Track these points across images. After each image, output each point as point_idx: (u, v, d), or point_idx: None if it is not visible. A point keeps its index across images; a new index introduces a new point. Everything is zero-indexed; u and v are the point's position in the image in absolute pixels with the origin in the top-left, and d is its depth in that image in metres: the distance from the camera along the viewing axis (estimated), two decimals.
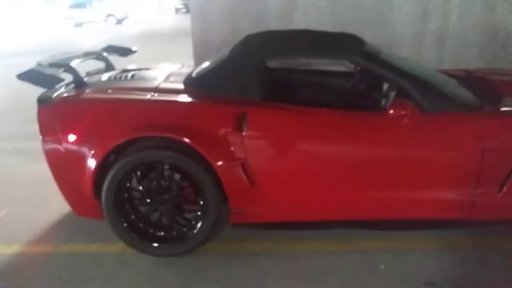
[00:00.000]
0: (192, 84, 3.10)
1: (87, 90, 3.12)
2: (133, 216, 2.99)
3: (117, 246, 3.12)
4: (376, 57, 2.96)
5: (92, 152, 2.83)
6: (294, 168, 2.82)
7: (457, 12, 4.75)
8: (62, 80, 3.06)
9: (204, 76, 3.08)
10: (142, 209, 3.00)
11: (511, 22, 4.70)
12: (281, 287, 2.68)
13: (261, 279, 2.75)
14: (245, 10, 4.85)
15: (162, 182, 2.90)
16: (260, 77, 2.99)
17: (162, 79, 3.32)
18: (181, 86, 3.15)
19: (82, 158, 2.87)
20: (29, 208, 3.77)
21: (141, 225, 3.00)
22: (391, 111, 2.65)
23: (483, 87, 3.23)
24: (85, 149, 2.86)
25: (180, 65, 3.94)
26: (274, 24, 4.87)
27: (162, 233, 3.01)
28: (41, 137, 2.94)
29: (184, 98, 2.97)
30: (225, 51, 3.35)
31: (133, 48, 4.22)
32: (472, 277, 2.68)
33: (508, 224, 2.92)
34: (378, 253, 2.91)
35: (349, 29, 3.63)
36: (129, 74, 3.53)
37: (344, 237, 3.06)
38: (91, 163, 2.83)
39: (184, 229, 2.99)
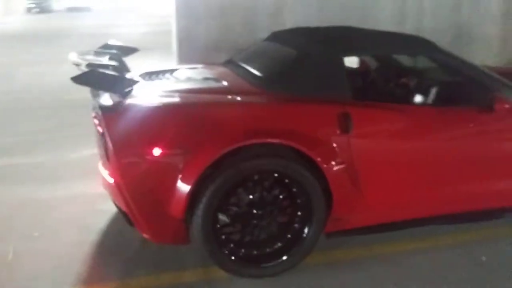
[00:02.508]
0: (268, 84, 2.80)
1: (155, 94, 2.65)
2: (223, 237, 2.61)
3: (194, 273, 2.73)
4: (447, 53, 3.00)
5: (186, 166, 2.40)
6: (400, 167, 2.74)
7: (430, 12, 5.08)
8: (136, 83, 2.55)
9: (284, 75, 2.82)
10: (232, 227, 2.63)
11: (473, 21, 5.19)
12: None
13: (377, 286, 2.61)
14: (234, 6, 4.58)
15: (265, 194, 2.58)
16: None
17: (218, 79, 2.99)
18: (251, 86, 2.84)
19: (171, 175, 2.42)
20: (40, 242, 3.07)
21: (232, 245, 2.63)
22: (497, 106, 2.71)
23: None
24: (175, 164, 2.41)
25: (202, 65, 3.58)
26: (264, 21, 4.70)
27: (255, 252, 2.67)
28: (113, 150, 2.40)
29: (273, 100, 2.69)
30: (278, 47, 3.17)
31: (135, 47, 3.70)
32: None
33: None
34: (473, 245, 2.95)
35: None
36: (167, 75, 3.11)
37: (431, 234, 3.04)
38: (185, 179, 2.40)
39: (279, 244, 2.69)
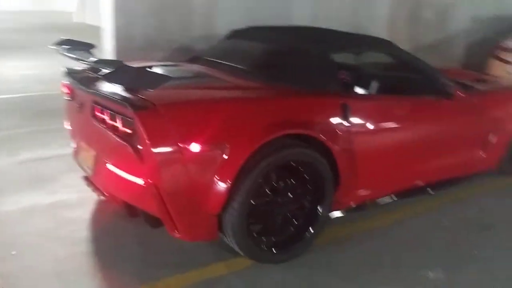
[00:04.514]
0: (272, 79, 2.97)
1: (177, 91, 2.62)
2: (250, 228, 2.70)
3: (217, 268, 2.76)
4: (405, 51, 3.49)
5: (224, 161, 2.44)
6: (386, 149, 3.13)
7: (335, 17, 5.70)
8: (169, 79, 2.48)
9: (287, 71, 3.02)
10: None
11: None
12: (403, 259, 2.94)
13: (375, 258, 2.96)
14: (170, 4, 4.53)
15: (289, 181, 2.74)
16: None
17: (213, 76, 3.06)
18: (252, 82, 2.96)
19: (208, 170, 2.44)
20: (25, 260, 2.75)
21: (256, 235, 2.74)
22: (460, 94, 3.27)
23: None
24: (212, 159, 2.43)
25: (171, 62, 3.56)
26: (198, 20, 4.74)
27: (273, 239, 2.80)
28: (150, 149, 2.33)
29: (286, 93, 2.86)
30: (259, 44, 3.42)
31: (92, 43, 3.50)
32: None
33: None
34: (434, 213, 3.52)
35: (261, 24, 4.11)
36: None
37: (399, 207, 3.50)
38: (225, 174, 2.43)
39: (292, 228, 2.86)
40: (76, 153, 3.19)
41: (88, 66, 3.00)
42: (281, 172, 2.71)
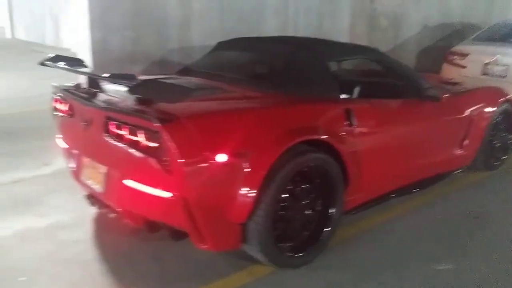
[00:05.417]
0: (278, 87, 3.02)
1: (195, 102, 2.61)
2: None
3: (240, 276, 2.75)
4: (390, 57, 3.69)
5: (249, 169, 2.46)
6: (388, 148, 3.28)
7: (303, 28, 5.89)
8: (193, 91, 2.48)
9: (291, 79, 3.08)
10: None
11: None
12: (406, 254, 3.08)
13: (386, 255, 3.06)
14: (146, 17, 4.49)
15: (304, 186, 2.80)
16: None
17: (216, 87, 3.07)
18: (257, 92, 3.00)
19: (234, 179, 2.45)
20: (38, 286, 2.62)
21: (277, 241, 2.76)
22: (444, 97, 3.49)
23: None
24: (237, 168, 2.45)
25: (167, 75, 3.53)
26: (173, 32, 4.73)
27: (292, 244, 2.83)
28: (179, 161, 2.31)
29: (295, 101, 2.91)
30: (252, 55, 3.54)
31: (80, 58, 3.41)
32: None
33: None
34: (424, 208, 3.73)
35: (234, 36, 4.07)
36: None
37: (393, 204, 3.65)
38: (251, 182, 2.46)
39: (308, 231, 2.92)
40: (77, 172, 3.07)
41: (86, 82, 2.94)
42: (295, 177, 2.77)
